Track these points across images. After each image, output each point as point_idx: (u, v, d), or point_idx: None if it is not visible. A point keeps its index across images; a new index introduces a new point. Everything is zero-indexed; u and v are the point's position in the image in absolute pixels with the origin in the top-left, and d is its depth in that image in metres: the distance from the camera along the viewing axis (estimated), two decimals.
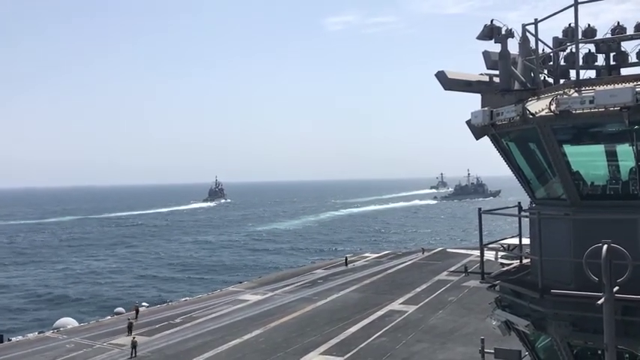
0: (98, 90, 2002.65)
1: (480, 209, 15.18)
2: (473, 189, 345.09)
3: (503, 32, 13.42)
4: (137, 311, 55.31)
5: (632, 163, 12.22)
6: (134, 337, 43.82)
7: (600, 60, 13.98)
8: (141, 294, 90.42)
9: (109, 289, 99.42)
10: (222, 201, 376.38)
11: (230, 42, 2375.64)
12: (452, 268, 71.90)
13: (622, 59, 13.77)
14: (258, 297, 61.02)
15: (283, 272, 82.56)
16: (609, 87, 11.68)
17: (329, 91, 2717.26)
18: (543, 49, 14.19)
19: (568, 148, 12.51)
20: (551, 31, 14.85)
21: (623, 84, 11.64)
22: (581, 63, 13.36)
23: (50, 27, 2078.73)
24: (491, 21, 13.57)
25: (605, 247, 9.13)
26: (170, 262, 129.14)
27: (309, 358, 39.99)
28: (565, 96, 11.80)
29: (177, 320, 52.14)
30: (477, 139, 14.76)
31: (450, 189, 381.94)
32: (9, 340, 49.92)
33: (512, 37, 13.50)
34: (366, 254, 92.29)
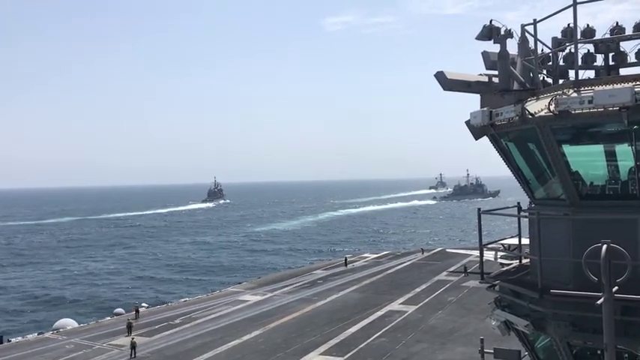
0: (98, 90, 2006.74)
1: (479, 209, 15.17)
2: (472, 189, 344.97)
3: (502, 32, 13.43)
4: (137, 312, 55.31)
5: (631, 163, 12.22)
6: (133, 338, 43.82)
7: (599, 60, 14.01)
8: (139, 295, 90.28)
9: (106, 290, 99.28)
10: (221, 202, 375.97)
11: (230, 42, 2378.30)
12: (451, 269, 71.93)
13: (621, 59, 13.80)
14: (258, 298, 60.99)
15: (283, 273, 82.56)
16: (608, 87, 11.69)
17: (329, 91, 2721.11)
18: (542, 50, 14.21)
19: (567, 148, 12.52)
20: (550, 31, 14.90)
21: (622, 84, 11.66)
22: (580, 63, 13.37)
23: (50, 27, 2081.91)
24: (490, 21, 13.59)
25: (604, 247, 9.13)
26: (168, 263, 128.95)
27: (309, 359, 39.99)
28: (564, 96, 11.80)
29: (177, 321, 52.13)
30: (476, 140, 14.77)
31: (449, 189, 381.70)
32: (8, 341, 49.86)
33: (512, 37, 13.51)
34: (366, 255, 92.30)
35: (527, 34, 13.67)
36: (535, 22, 13.50)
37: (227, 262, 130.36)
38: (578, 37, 13.15)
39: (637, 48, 13.64)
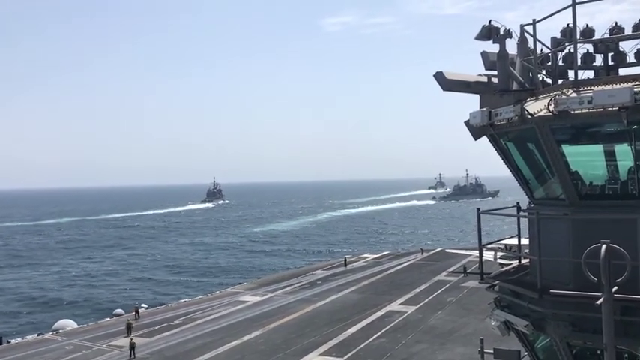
0: (98, 90, 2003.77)
1: (478, 209, 15.13)
2: (471, 189, 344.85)
3: (501, 33, 13.42)
4: (137, 312, 55.29)
5: (630, 163, 12.23)
6: (132, 339, 43.80)
7: (598, 60, 14.01)
8: (137, 296, 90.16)
9: (105, 291, 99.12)
10: (220, 202, 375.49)
11: (230, 42, 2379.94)
12: (451, 269, 71.96)
13: (620, 59, 13.80)
14: (258, 298, 60.98)
15: (282, 273, 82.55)
16: (607, 87, 11.69)
17: (329, 91, 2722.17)
18: (541, 50, 14.21)
19: (566, 148, 12.51)
20: (549, 31, 14.89)
21: (621, 84, 11.65)
22: (579, 63, 13.35)
23: (50, 27, 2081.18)
24: (490, 21, 13.57)
25: (603, 247, 9.12)
26: (167, 264, 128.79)
27: (309, 359, 40.00)
28: (563, 96, 11.80)
29: (177, 321, 52.12)
30: (475, 140, 14.77)
31: (449, 189, 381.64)
32: (8, 342, 49.83)
33: (511, 37, 13.49)
34: (365, 255, 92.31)
35: (526, 34, 13.67)
36: (534, 22, 13.50)
37: (226, 262, 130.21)
38: (578, 37, 13.13)
39: (636, 48, 13.64)
